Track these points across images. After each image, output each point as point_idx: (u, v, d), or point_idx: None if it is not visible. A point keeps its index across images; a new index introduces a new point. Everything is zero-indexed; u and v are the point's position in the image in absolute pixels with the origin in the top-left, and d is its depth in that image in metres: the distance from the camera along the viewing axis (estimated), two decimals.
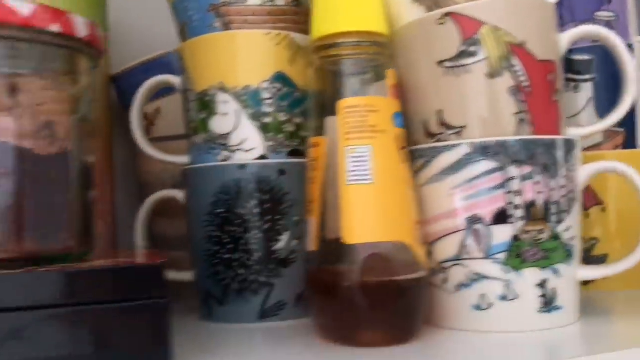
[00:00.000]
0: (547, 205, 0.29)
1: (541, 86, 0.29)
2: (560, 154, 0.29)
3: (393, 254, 0.28)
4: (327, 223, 0.28)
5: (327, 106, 0.30)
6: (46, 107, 0.27)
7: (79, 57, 0.28)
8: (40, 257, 0.26)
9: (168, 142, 0.43)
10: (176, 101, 0.44)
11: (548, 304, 0.29)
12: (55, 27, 0.26)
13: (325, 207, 0.28)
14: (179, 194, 0.38)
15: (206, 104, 0.35)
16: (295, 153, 0.35)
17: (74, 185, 0.27)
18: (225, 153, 0.35)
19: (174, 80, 0.38)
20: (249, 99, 0.34)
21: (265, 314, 0.34)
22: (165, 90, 0.42)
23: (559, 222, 0.29)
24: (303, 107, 0.35)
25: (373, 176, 0.27)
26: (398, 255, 0.28)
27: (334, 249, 0.28)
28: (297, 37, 0.35)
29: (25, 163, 0.26)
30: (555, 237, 0.29)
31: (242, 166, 0.34)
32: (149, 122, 0.44)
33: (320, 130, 0.30)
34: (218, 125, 0.35)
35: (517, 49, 0.29)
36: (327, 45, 0.29)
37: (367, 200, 0.27)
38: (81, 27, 0.27)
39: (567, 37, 0.31)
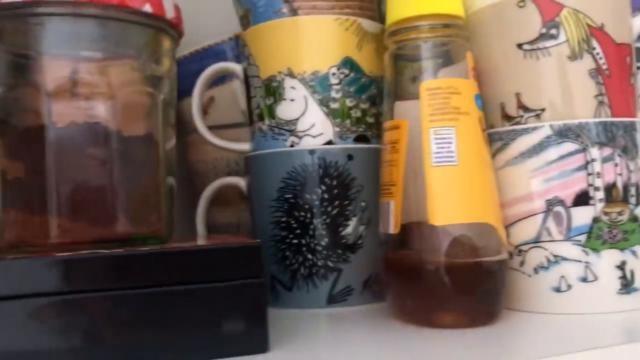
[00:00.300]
0: (626, 187, 0.29)
1: (619, 69, 0.30)
2: (639, 136, 0.29)
3: (478, 235, 0.28)
4: (409, 207, 0.28)
5: (398, 91, 0.30)
6: (133, 88, 0.27)
7: (163, 38, 0.28)
8: (130, 239, 0.26)
9: (221, 130, 0.43)
10: (229, 90, 0.44)
11: (627, 285, 0.29)
12: (147, 7, 0.26)
13: (406, 190, 0.29)
14: (240, 181, 0.38)
15: (273, 90, 0.35)
16: (361, 138, 0.35)
17: (160, 168, 0.27)
18: (292, 138, 0.35)
19: (235, 67, 0.38)
20: (317, 85, 0.34)
21: (333, 299, 0.34)
22: (218, 79, 0.42)
23: (638, 203, 0.29)
24: (369, 93, 0.35)
25: (458, 158, 0.28)
26: (482, 236, 0.28)
27: (417, 232, 0.28)
28: (364, 22, 0.35)
29: (116, 144, 0.26)
30: (634, 218, 0.29)
31: (312, 151, 0.34)
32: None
33: (388, 116, 0.30)
34: (285, 111, 0.35)
35: (597, 31, 0.29)
36: (404, 28, 0.30)
37: (452, 181, 0.27)
38: (169, 8, 0.27)
39: (639, 23, 0.31)
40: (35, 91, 0.24)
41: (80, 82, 0.24)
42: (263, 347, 0.24)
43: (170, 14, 0.27)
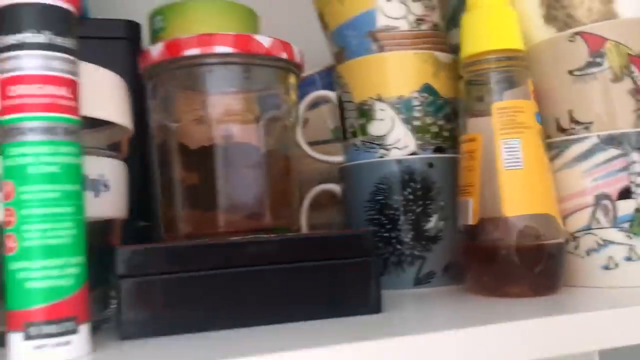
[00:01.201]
0: None
1: None
2: None
3: (540, 224, 0.35)
4: (485, 202, 0.36)
5: (473, 109, 0.37)
6: (271, 115, 0.35)
7: (292, 76, 0.36)
8: (273, 229, 0.34)
9: (313, 146, 0.52)
10: (319, 113, 0.52)
11: None
12: (284, 55, 0.34)
13: (483, 189, 0.36)
14: (336, 187, 0.46)
15: (365, 112, 0.43)
16: (439, 149, 0.43)
17: (291, 176, 0.36)
18: (382, 151, 0.43)
19: (330, 94, 0.46)
20: (402, 107, 0.42)
21: (418, 282, 0.42)
22: (312, 105, 0.50)
23: None
24: (444, 112, 0.43)
25: (523, 162, 0.35)
26: (544, 225, 0.35)
27: (491, 223, 0.36)
28: (439, 55, 0.43)
29: (262, 159, 0.34)
30: None
31: (399, 161, 0.42)
32: None
33: (463, 130, 0.38)
34: (376, 128, 0.43)
35: (634, 58, 0.36)
36: (475, 61, 0.37)
37: (519, 181, 0.35)
38: (297, 54, 0.35)
39: None
40: (205, 120, 0.33)
41: (235, 112, 0.33)
42: (377, 309, 0.32)
43: (297, 58, 0.35)
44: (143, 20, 0.50)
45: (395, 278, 0.42)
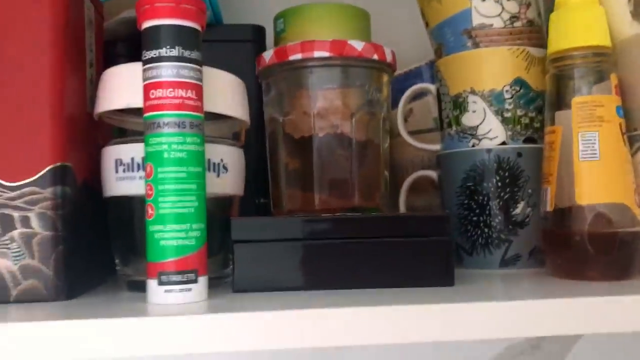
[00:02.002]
0: None
1: None
2: None
3: (614, 212, 0.37)
4: (561, 191, 0.38)
5: (558, 103, 0.40)
6: (363, 109, 0.40)
7: (384, 75, 0.41)
8: (362, 209, 0.39)
9: (417, 134, 0.56)
10: (424, 104, 0.56)
11: None
12: (375, 56, 0.39)
13: (560, 179, 0.38)
14: (433, 174, 0.50)
15: (459, 104, 0.47)
16: (529, 140, 0.45)
17: (380, 163, 0.40)
18: (473, 140, 0.46)
19: (430, 87, 0.50)
20: (494, 99, 0.45)
21: (504, 263, 0.45)
22: (417, 95, 0.54)
23: None
24: (536, 104, 0.45)
25: (599, 154, 0.37)
26: (618, 213, 0.37)
27: (567, 211, 0.38)
28: (532, 49, 0.45)
29: (354, 147, 0.39)
30: None
31: (489, 150, 0.45)
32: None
33: (551, 122, 0.40)
34: (469, 119, 0.46)
35: None
36: (561, 57, 0.39)
37: (594, 172, 0.37)
38: (389, 54, 0.40)
39: None
40: (306, 114, 0.38)
41: (332, 107, 0.38)
42: (450, 282, 0.36)
43: (389, 58, 0.39)
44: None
45: (482, 259, 0.45)
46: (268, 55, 0.40)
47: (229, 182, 0.39)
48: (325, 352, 0.64)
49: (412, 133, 0.57)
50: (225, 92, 0.38)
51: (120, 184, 0.37)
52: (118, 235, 0.39)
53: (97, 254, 0.41)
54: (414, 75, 0.55)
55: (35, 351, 0.29)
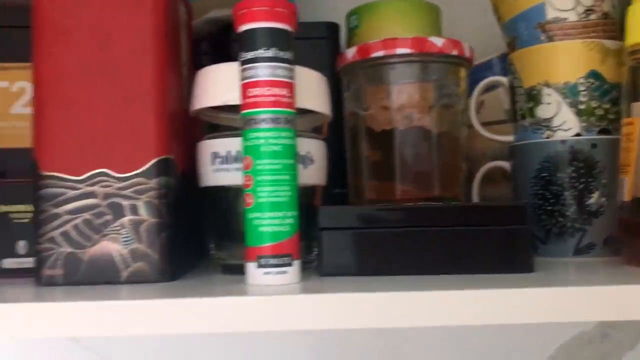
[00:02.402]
0: None
1: None
2: None
3: None
4: (637, 181, 0.39)
5: (635, 94, 0.40)
6: (442, 102, 0.42)
7: (462, 69, 0.42)
8: (441, 198, 0.41)
9: (488, 126, 0.57)
10: (495, 96, 0.57)
11: None
12: (455, 52, 0.41)
13: (637, 169, 0.39)
14: (505, 164, 0.51)
15: (533, 97, 0.48)
16: (603, 131, 0.46)
17: (459, 154, 0.42)
18: (548, 132, 0.47)
19: (503, 79, 0.51)
20: (568, 92, 0.46)
21: (578, 252, 0.46)
22: (488, 88, 0.55)
23: None
24: (610, 96, 0.46)
25: None
26: None
27: None
28: (607, 42, 0.46)
29: (433, 140, 0.41)
30: None
31: (563, 142, 0.46)
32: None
33: (628, 113, 0.41)
34: (543, 111, 0.47)
35: None
36: (638, 49, 0.40)
37: None
38: (466, 49, 0.41)
39: None
40: (387, 108, 0.41)
41: (412, 101, 0.40)
42: (530, 268, 0.38)
43: (467, 53, 0.41)
44: (342, 20, 0.59)
45: (556, 247, 0.46)
46: (350, 53, 0.42)
47: (314, 173, 0.41)
48: (400, 332, 0.66)
49: (483, 124, 0.58)
50: (310, 89, 0.41)
51: (217, 175, 0.40)
52: (213, 222, 0.42)
53: (191, 239, 0.45)
54: (484, 68, 0.56)
55: (145, 326, 0.33)
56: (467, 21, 0.67)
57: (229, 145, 0.40)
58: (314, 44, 0.54)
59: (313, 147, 0.41)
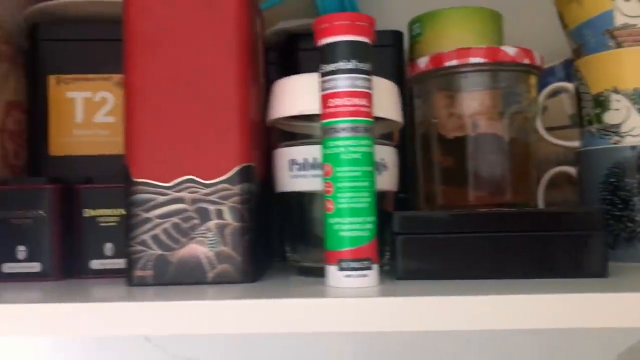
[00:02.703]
0: None
1: None
2: None
3: None
4: None
5: None
6: (512, 110, 0.43)
7: (532, 77, 0.43)
8: (513, 204, 0.42)
9: (551, 131, 0.58)
10: (558, 101, 0.58)
11: None
12: (526, 60, 0.41)
13: None
14: (571, 169, 0.52)
15: (600, 103, 0.48)
16: None
17: (530, 160, 0.43)
18: (616, 138, 0.47)
19: (568, 85, 0.51)
20: (638, 98, 0.46)
21: None
22: (552, 93, 0.56)
23: None
24: None
25: None
26: None
27: None
28: None
29: (505, 146, 0.42)
30: None
31: (633, 147, 0.46)
32: None
33: None
34: (611, 117, 0.47)
35: None
36: None
37: None
38: (537, 58, 0.42)
39: None
40: (460, 115, 0.42)
41: (484, 109, 0.41)
42: (604, 273, 0.38)
43: (538, 61, 0.42)
44: (403, 28, 0.60)
45: (625, 252, 0.47)
46: (423, 62, 0.44)
47: (387, 179, 0.43)
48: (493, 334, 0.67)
49: (546, 129, 0.59)
50: (384, 97, 0.42)
51: (294, 181, 0.42)
52: (289, 226, 0.44)
53: (266, 242, 0.47)
54: (547, 74, 0.57)
55: (233, 325, 0.34)
56: (529, 28, 0.67)
57: (306, 152, 0.41)
58: (378, 51, 0.56)
59: (386, 154, 0.43)
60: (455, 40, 0.56)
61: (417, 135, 0.47)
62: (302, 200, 0.42)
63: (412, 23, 0.60)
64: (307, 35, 0.55)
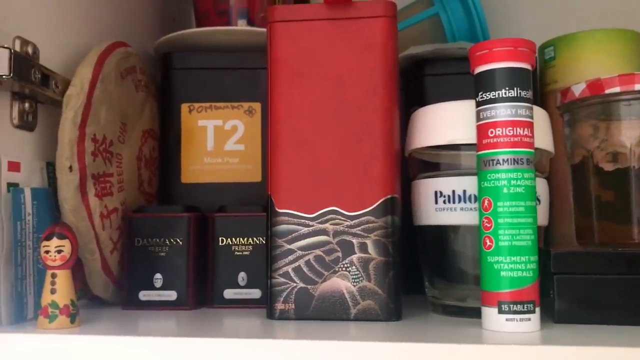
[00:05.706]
0: None
1: None
2: None
3: None
4: None
5: None
6: None
7: None
8: None
9: None
10: None
11: None
12: None
13: None
14: None
15: None
16: None
17: None
18: None
19: None
20: None
21: None
22: None
23: None
24: None
25: None
26: None
27: None
28: None
29: None
30: None
31: None
32: None
33: None
34: None
35: None
36: None
37: None
38: None
39: None
40: (622, 145, 0.38)
41: None
42: None
43: None
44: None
45: None
46: (578, 89, 0.41)
47: (541, 213, 0.40)
48: None
49: None
50: (538, 126, 0.39)
51: (440, 214, 0.40)
52: (430, 261, 0.41)
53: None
54: None
55: None
56: None
57: (455, 184, 0.39)
58: None
59: (541, 187, 0.40)
60: (593, 64, 0.52)
61: (569, 166, 0.44)
62: (446, 234, 0.40)
63: (544, 47, 0.57)
64: (434, 60, 0.53)
